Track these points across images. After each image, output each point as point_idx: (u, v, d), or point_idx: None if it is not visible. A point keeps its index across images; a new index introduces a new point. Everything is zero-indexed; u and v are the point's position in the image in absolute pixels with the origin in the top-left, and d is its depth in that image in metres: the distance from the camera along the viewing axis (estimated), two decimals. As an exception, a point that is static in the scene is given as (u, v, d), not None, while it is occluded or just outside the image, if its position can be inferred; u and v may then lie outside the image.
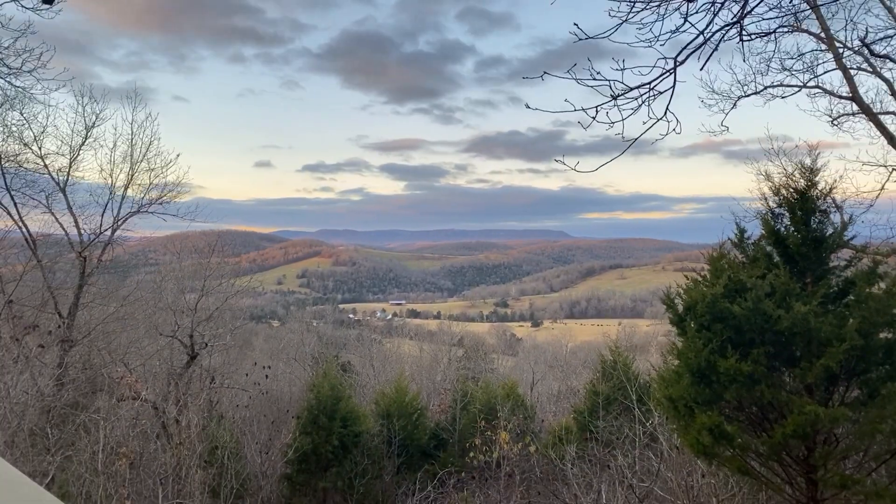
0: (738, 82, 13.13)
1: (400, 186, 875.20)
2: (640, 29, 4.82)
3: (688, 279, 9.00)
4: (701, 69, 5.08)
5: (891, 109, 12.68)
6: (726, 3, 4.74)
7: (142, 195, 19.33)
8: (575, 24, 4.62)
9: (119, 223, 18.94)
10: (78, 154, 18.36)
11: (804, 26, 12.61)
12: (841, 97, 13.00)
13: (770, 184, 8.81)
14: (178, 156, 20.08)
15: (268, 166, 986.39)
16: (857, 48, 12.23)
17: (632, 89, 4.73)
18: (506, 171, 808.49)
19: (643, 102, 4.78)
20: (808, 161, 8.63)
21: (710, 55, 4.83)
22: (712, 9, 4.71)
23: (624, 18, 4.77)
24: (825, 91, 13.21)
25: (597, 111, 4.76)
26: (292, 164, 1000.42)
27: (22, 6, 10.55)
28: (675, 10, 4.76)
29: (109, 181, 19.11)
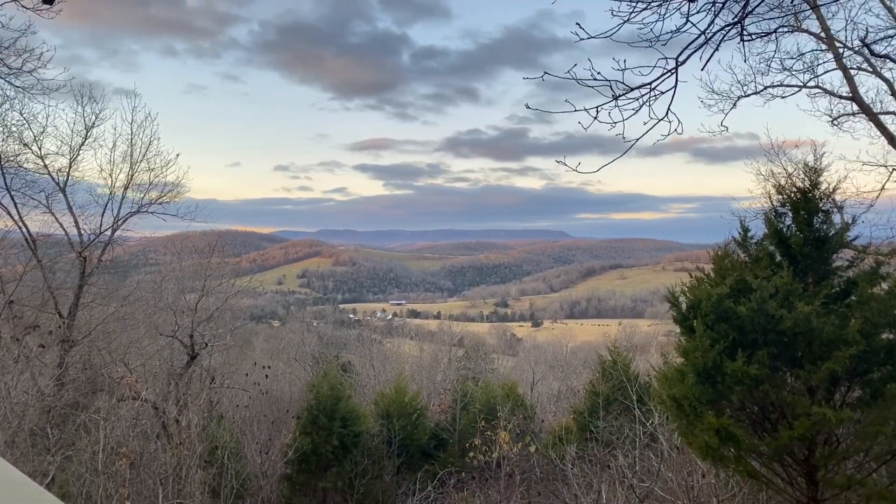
0: (739, 82, 13.13)
1: (379, 185, 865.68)
2: (640, 29, 4.82)
3: (692, 277, 9.00)
4: (702, 69, 5.07)
5: (891, 109, 12.66)
6: (727, 4, 4.74)
7: (142, 195, 19.35)
8: (577, 23, 4.62)
9: (119, 223, 18.94)
10: (78, 154, 18.39)
11: (804, 26, 12.63)
12: (841, 97, 12.99)
13: (773, 183, 8.81)
14: (177, 155, 20.07)
15: (239, 166, 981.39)
16: (857, 48, 12.23)
17: (633, 89, 4.73)
18: (479, 170, 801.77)
19: (644, 103, 4.78)
20: (811, 161, 8.63)
21: (711, 55, 4.83)
22: (713, 9, 4.70)
23: (625, 18, 4.77)
24: (825, 91, 13.20)
25: (598, 111, 4.75)
26: (262, 164, 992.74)
27: (22, 6, 10.56)
28: (676, 10, 4.76)
29: (109, 181, 19.14)
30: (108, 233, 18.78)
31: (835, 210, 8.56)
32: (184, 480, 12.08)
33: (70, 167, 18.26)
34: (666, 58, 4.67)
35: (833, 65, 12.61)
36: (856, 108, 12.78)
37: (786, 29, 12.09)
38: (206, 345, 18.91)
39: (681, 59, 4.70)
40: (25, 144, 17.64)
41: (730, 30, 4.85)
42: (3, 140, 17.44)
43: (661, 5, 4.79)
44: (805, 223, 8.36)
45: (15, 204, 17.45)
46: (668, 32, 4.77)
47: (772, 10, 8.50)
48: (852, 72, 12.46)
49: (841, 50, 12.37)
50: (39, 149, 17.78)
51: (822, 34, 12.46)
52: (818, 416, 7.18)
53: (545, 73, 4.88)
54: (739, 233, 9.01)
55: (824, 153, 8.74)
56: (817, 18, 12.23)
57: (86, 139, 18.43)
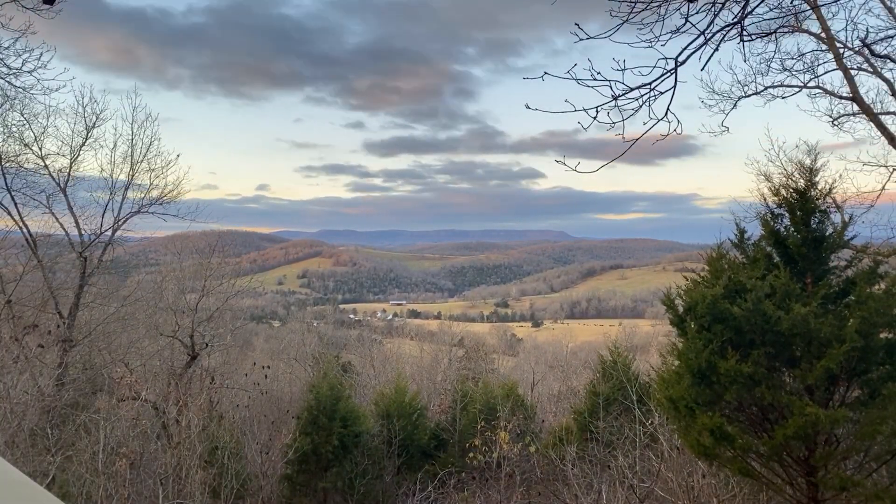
0: (739, 82, 13.14)
1: (307, 187, 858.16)
2: (640, 29, 4.81)
3: (687, 280, 9.00)
4: (702, 69, 5.07)
5: (891, 110, 12.65)
6: (727, 4, 4.73)
7: (142, 195, 19.37)
8: (576, 24, 4.62)
9: (119, 223, 18.95)
10: (78, 154, 18.39)
11: (804, 26, 12.62)
12: (841, 97, 12.98)
13: (769, 186, 8.80)
14: (178, 156, 20.12)
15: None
16: (857, 48, 12.23)
17: (633, 89, 4.73)
18: (385, 171, 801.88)
19: (644, 103, 4.78)
20: (807, 161, 8.62)
21: (711, 55, 4.83)
22: (713, 9, 4.70)
23: (625, 19, 4.77)
24: (826, 91, 13.19)
25: (597, 111, 4.75)
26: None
27: (22, 6, 10.53)
28: (676, 10, 4.76)
29: (110, 181, 19.15)
30: (109, 233, 18.80)
31: (834, 210, 8.56)
32: (184, 480, 12.09)
33: (71, 167, 18.29)
34: (666, 58, 4.68)
35: (833, 65, 12.62)
36: (856, 108, 12.77)
37: (786, 29, 12.09)
38: (207, 345, 18.93)
39: (680, 59, 4.70)
40: (26, 144, 17.66)
41: (729, 30, 4.85)
42: (3, 140, 17.46)
43: (660, 5, 4.79)
44: (802, 223, 8.35)
45: (15, 204, 17.47)
46: (667, 33, 4.77)
47: (772, 10, 8.49)
48: (853, 72, 12.46)
49: (841, 50, 12.37)
50: (40, 149, 17.80)
51: (823, 34, 12.46)
52: (811, 415, 7.18)
53: (545, 73, 4.88)
54: (736, 234, 9.01)
55: (818, 153, 8.70)
56: (817, 18, 12.23)
57: (86, 139, 18.45)
